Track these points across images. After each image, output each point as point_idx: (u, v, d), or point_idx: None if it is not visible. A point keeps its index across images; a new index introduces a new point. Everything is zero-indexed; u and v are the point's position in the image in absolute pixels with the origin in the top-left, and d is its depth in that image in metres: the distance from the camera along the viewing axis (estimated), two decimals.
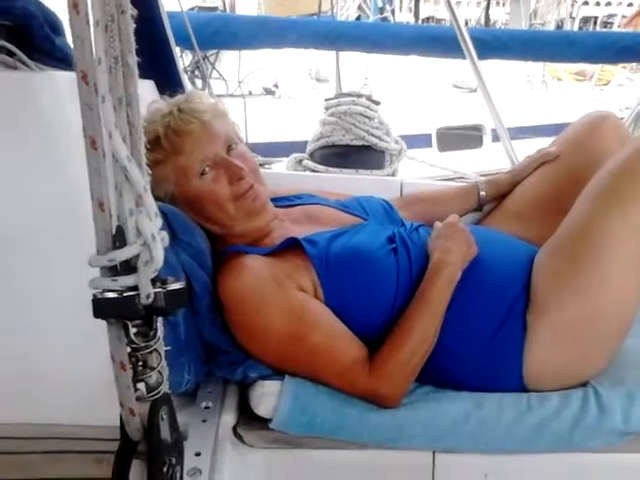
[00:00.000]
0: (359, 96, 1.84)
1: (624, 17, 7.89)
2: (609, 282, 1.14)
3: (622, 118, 2.32)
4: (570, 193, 1.25)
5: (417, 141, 4.38)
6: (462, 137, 4.60)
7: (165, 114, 1.18)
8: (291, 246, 1.17)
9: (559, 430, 1.08)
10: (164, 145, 1.16)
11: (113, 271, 0.55)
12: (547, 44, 2.44)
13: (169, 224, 1.12)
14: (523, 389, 1.14)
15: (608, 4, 10.81)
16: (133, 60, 0.57)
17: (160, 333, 0.59)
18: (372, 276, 1.15)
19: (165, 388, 0.63)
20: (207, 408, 1.07)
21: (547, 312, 1.14)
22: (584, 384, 1.15)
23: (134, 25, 0.57)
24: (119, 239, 0.55)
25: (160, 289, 0.55)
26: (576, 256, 1.16)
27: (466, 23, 10.20)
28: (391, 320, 1.13)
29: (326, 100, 1.89)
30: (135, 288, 0.54)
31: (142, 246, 0.54)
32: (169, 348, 0.63)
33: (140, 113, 0.59)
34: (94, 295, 0.54)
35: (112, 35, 0.52)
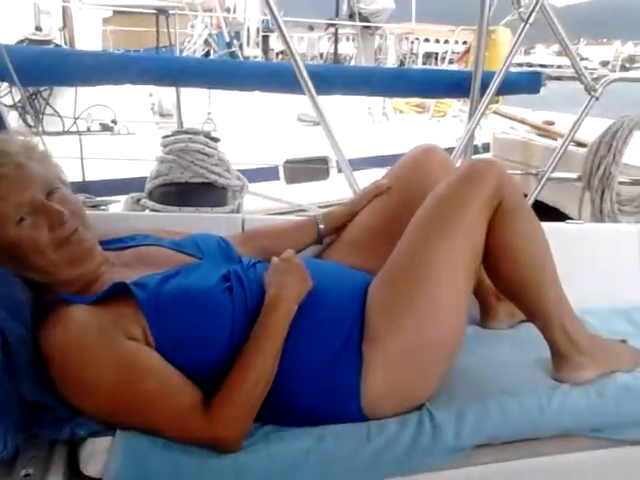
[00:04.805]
0: (196, 133, 1.82)
1: (454, 53, 8.63)
2: (437, 307, 1.20)
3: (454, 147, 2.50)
4: (402, 223, 1.31)
5: (265, 174, 4.45)
6: (309, 169, 4.73)
7: None
8: (119, 291, 1.12)
9: (397, 455, 1.11)
10: None
11: None
12: (382, 80, 2.57)
13: None
14: (363, 418, 1.16)
15: (446, 42, 11.83)
16: None
17: None
18: (205, 317, 1.12)
19: None
20: (27, 476, 0.98)
21: (380, 341, 1.17)
22: (420, 407, 1.20)
23: None
24: None
25: None
26: (405, 284, 1.21)
27: (321, 56, 10.63)
28: (228, 360, 1.11)
29: (163, 138, 1.85)
30: None
31: None
32: None
33: None
34: None
35: None
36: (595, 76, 2.62)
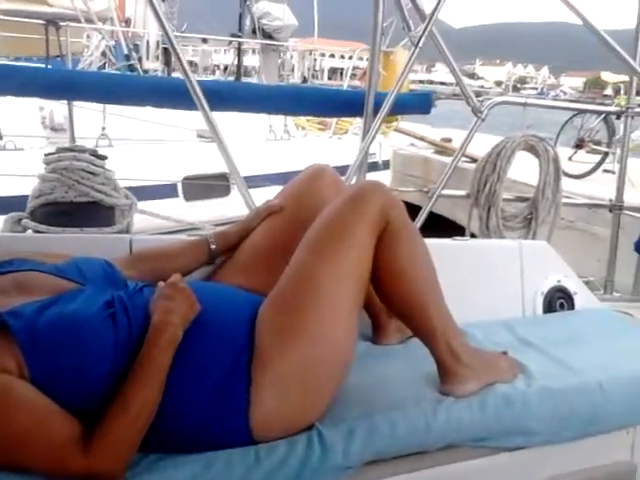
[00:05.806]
0: (82, 151, 1.76)
1: (356, 69, 8.84)
2: (326, 327, 1.21)
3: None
4: (293, 243, 1.31)
5: (163, 191, 4.34)
6: (209, 186, 4.66)
7: None
8: None
9: (287, 476, 1.11)
10: None
11: None
12: (277, 98, 2.57)
13: None
14: (253, 442, 1.15)
15: (350, 58, 12.18)
16: None
17: None
18: (85, 346, 1.07)
19: None
20: None
21: (270, 363, 1.17)
22: (310, 426, 1.20)
23: None
24: None
25: None
26: (293, 306, 1.22)
27: (225, 69, 10.52)
28: (111, 389, 1.07)
29: (46, 155, 1.77)
30: None
31: None
32: None
33: None
34: None
35: None
36: (481, 98, 2.77)
